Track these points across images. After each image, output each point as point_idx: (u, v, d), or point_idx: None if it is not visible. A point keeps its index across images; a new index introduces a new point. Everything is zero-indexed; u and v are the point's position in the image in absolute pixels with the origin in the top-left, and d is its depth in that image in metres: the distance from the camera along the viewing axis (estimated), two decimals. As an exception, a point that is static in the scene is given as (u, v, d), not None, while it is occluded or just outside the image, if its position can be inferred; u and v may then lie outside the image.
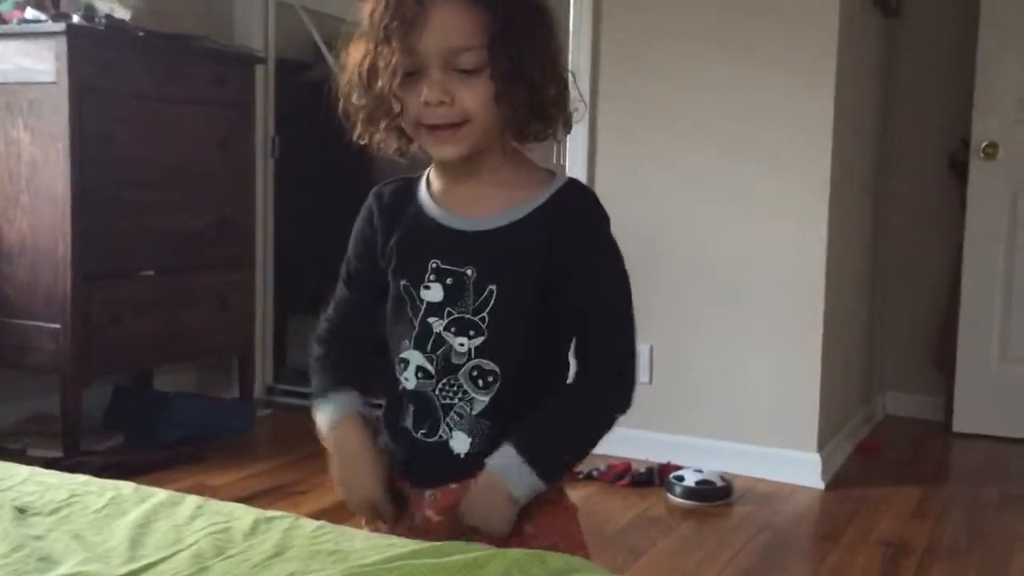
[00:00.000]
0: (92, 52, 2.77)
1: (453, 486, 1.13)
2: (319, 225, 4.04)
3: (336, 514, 2.29)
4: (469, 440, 1.11)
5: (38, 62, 2.74)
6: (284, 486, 2.74)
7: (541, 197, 1.11)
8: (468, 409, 1.11)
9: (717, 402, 2.97)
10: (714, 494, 2.71)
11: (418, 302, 1.12)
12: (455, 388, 1.11)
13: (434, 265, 1.11)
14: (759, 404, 2.94)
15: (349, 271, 1.23)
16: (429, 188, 1.17)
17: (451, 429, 1.12)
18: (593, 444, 1.14)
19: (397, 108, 1.07)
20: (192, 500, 1.19)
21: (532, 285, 1.10)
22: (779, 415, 2.93)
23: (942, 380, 3.66)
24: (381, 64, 1.06)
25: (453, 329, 1.10)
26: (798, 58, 2.87)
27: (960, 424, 3.53)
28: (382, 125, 1.11)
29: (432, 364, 1.11)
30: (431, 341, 1.11)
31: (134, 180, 2.93)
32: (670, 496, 2.72)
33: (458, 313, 1.10)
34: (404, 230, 1.15)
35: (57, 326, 2.77)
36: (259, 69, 3.48)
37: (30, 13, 2.78)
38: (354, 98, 1.10)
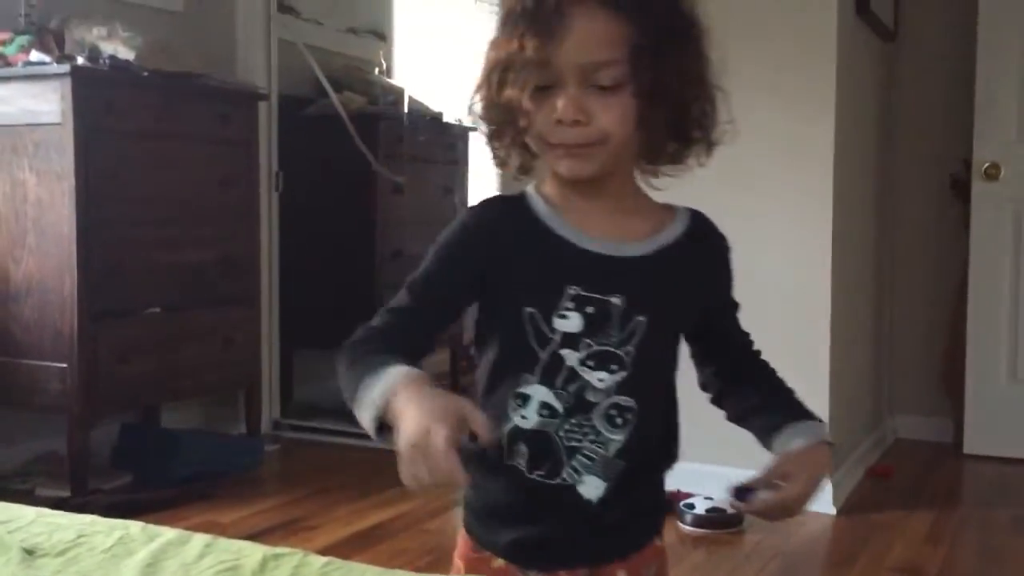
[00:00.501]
0: (97, 93, 2.80)
1: (582, 573, 1.04)
2: (324, 258, 4.07)
3: (344, 550, 2.28)
4: (604, 485, 1.01)
5: (43, 104, 2.76)
6: (293, 522, 2.73)
7: (678, 226, 1.06)
8: (603, 450, 1.01)
9: (726, 428, 2.95)
10: (725, 521, 2.69)
11: (548, 332, 1.00)
12: (585, 429, 1.00)
13: (572, 292, 1.00)
14: (768, 430, 2.92)
15: (419, 288, 1.04)
16: (550, 207, 1.04)
17: (579, 473, 1.01)
18: None
19: (524, 123, 0.99)
20: (200, 538, 1.19)
21: (682, 318, 1.06)
22: (788, 441, 2.91)
23: (951, 402, 3.64)
24: (512, 75, 0.97)
25: (591, 363, 0.99)
26: (798, 85, 2.88)
27: (971, 446, 3.51)
28: (507, 140, 1.02)
29: (560, 401, 1.00)
30: (563, 376, 1.00)
31: (139, 218, 2.94)
32: (681, 524, 2.70)
33: (599, 346, 0.99)
34: (529, 252, 1.02)
35: (64, 365, 2.77)
36: (262, 105, 3.51)
37: (35, 56, 2.81)
38: (482, 108, 1.02)
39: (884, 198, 3.68)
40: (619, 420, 1.01)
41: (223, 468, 3.13)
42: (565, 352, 1.00)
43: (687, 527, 2.69)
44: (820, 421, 1.09)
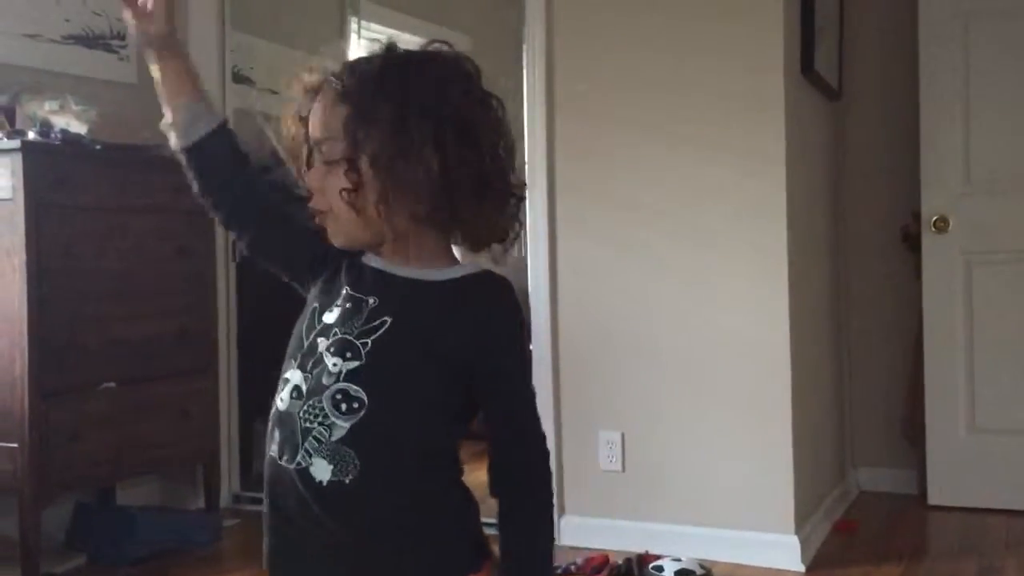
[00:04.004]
0: (48, 167, 2.77)
1: None
2: (282, 326, 4.02)
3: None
4: (330, 468, 1.07)
5: (-6, 179, 2.73)
6: (254, 599, 2.67)
7: (456, 271, 1.14)
8: (328, 434, 1.07)
9: (692, 487, 2.94)
10: (694, 583, 2.66)
11: (316, 323, 1.14)
12: (316, 410, 1.08)
13: (344, 291, 1.14)
14: (734, 487, 2.91)
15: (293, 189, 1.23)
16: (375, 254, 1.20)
17: (310, 455, 1.08)
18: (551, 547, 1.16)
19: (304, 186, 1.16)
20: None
21: (430, 340, 1.09)
22: (755, 497, 2.90)
23: (914, 453, 3.66)
24: (291, 148, 1.18)
25: (332, 349, 1.10)
26: (748, 144, 2.93)
27: (935, 497, 3.51)
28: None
29: (306, 384, 1.10)
30: (312, 360, 1.11)
31: (93, 292, 2.90)
32: (650, 587, 2.67)
33: (342, 334, 1.10)
34: (345, 267, 1.17)
35: (15, 445, 2.70)
36: (218, 176, 3.48)
37: (-15, 131, 2.79)
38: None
39: (837, 252, 3.73)
40: (344, 406, 1.07)
41: (181, 545, 3.05)
42: (320, 340, 1.12)
43: (656, 590, 2.65)
44: None
